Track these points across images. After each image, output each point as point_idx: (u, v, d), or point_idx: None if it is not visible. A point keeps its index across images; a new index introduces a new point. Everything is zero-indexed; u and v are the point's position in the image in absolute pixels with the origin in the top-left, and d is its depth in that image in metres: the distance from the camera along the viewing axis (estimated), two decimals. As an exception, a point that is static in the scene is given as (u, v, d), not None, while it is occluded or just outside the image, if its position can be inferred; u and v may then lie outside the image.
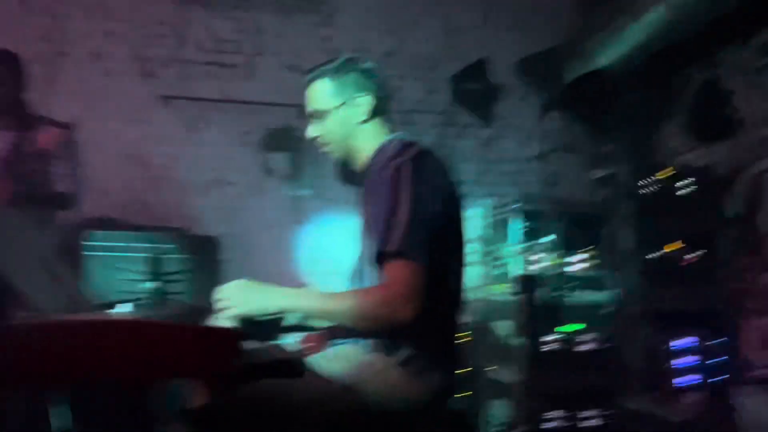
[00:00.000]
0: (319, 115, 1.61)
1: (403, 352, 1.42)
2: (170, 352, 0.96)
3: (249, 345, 1.43)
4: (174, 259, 2.83)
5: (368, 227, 1.47)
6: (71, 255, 3.04)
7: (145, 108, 4.15)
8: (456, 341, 1.56)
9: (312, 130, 1.65)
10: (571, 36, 3.60)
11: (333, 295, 1.48)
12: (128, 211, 4.02)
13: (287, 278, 4.11)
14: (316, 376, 1.38)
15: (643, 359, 3.14)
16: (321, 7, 4.43)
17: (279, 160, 4.18)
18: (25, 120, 2.82)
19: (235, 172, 4.24)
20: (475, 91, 3.07)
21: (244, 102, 4.25)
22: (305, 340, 1.76)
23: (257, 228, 4.22)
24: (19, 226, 1.62)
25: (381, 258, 1.38)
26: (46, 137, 2.53)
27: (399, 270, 1.36)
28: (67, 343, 0.94)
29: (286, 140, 4.20)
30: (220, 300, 1.43)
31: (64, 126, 2.61)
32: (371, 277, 1.48)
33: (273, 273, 4.18)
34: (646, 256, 3.23)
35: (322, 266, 4.28)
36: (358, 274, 1.57)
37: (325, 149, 1.65)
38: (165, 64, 4.22)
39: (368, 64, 1.65)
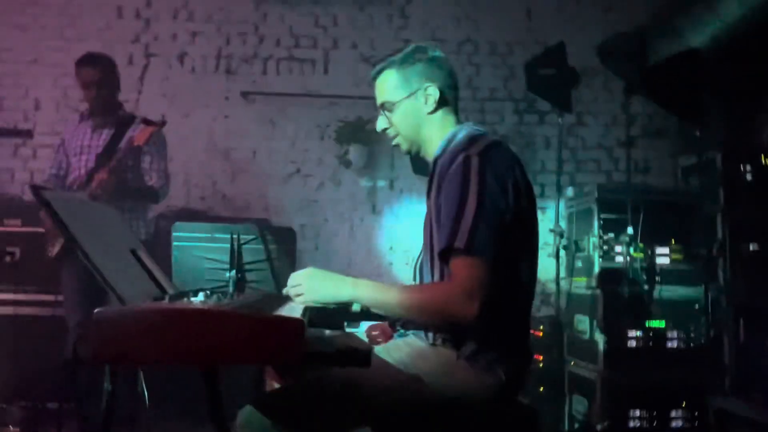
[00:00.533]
0: (388, 107, 1.59)
1: (470, 346, 1.40)
2: (241, 339, 0.99)
3: (318, 332, 1.47)
4: (254, 249, 2.92)
5: (435, 220, 1.45)
6: (160, 245, 3.23)
7: (227, 104, 4.32)
8: (526, 336, 1.52)
9: (381, 123, 1.63)
10: (658, 14, 3.39)
11: (399, 288, 1.48)
12: (211, 202, 4.22)
13: (361, 267, 4.20)
14: (385, 366, 1.39)
15: (736, 357, 2.94)
16: (394, -1, 4.43)
17: (355, 151, 4.22)
18: (120, 118, 3.00)
19: (312, 165, 4.33)
20: (552, 77, 2.95)
21: (321, 96, 4.33)
22: (371, 329, 1.77)
23: (333, 218, 4.30)
24: (113, 219, 1.72)
25: (447, 253, 1.37)
26: (139, 135, 2.69)
27: (464, 266, 1.34)
28: (151, 329, 0.99)
29: (362, 132, 4.24)
30: (292, 287, 1.47)
31: (157, 124, 2.75)
32: (436, 270, 1.47)
33: (348, 262, 4.30)
34: (741, 248, 3.00)
35: (395, 256, 4.31)
36: (421, 265, 1.56)
37: (395, 142, 1.64)
38: (246, 61, 4.37)
39: (435, 53, 1.60)
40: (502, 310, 1.37)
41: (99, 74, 2.92)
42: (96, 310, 1.00)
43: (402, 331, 1.57)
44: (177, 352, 1.01)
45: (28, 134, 3.70)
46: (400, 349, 1.46)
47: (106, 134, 2.96)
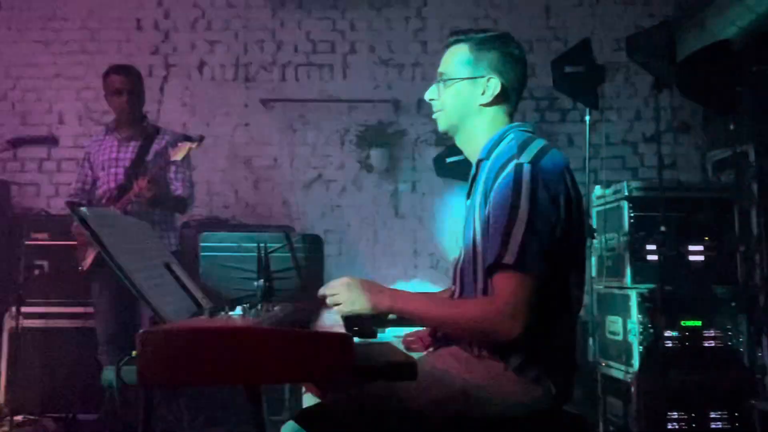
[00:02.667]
0: (444, 79, 1.53)
1: (517, 358, 1.36)
2: (289, 357, 0.97)
3: (360, 345, 1.44)
4: (281, 258, 2.91)
5: (482, 230, 1.40)
6: (185, 254, 3.23)
7: (247, 112, 4.32)
8: (573, 347, 1.47)
9: (431, 92, 1.56)
10: (684, 7, 3.32)
11: (439, 302, 1.44)
12: (234, 210, 4.22)
13: (386, 272, 4.17)
14: (430, 378, 1.35)
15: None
16: (411, 0, 4.40)
17: (376, 155, 4.20)
18: (146, 130, 3.01)
19: (334, 170, 4.32)
20: (578, 75, 2.90)
21: (340, 100, 4.31)
22: (408, 336, 1.74)
23: (356, 223, 4.28)
24: (145, 233, 1.71)
25: (495, 268, 1.32)
26: (176, 150, 2.69)
27: (512, 284, 1.29)
28: (198, 350, 0.98)
29: (383, 136, 4.22)
30: (331, 296, 1.45)
31: (196, 140, 2.76)
32: (479, 278, 1.43)
33: (372, 267, 4.27)
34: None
35: (420, 260, 4.28)
36: (462, 269, 1.51)
37: (435, 116, 1.57)
38: (264, 68, 4.37)
39: (516, 50, 1.53)
40: (550, 323, 1.33)
41: (129, 82, 2.94)
42: (141, 331, 0.98)
43: (442, 340, 1.53)
44: (225, 372, 0.98)
45: (54, 141, 3.73)
46: (445, 360, 1.42)
47: (133, 146, 2.97)
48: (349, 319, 1.47)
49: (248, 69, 4.36)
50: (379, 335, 1.79)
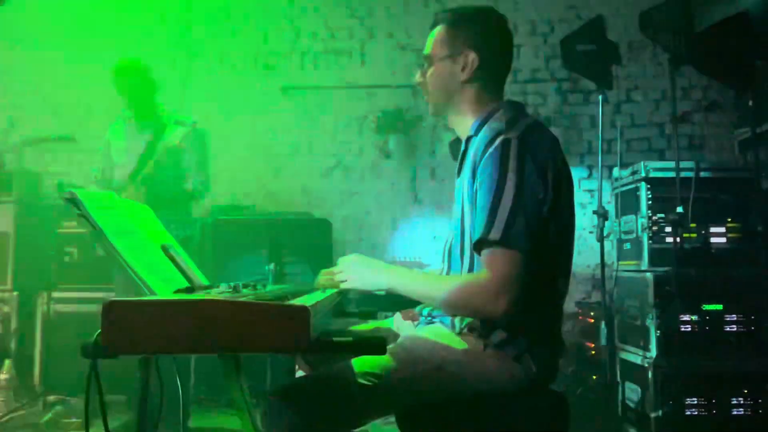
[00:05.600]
0: (428, 60, 1.53)
1: (498, 335, 1.36)
2: (248, 328, 1.00)
3: (339, 323, 1.46)
4: (292, 242, 2.96)
5: (470, 206, 1.40)
6: (207, 242, 3.31)
7: (267, 100, 4.37)
8: (558, 325, 1.46)
9: (418, 75, 1.56)
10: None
11: (430, 278, 1.45)
12: (255, 198, 4.29)
13: (405, 257, 4.17)
14: (407, 355, 1.36)
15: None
16: (430, -18, 4.36)
17: (394, 141, 4.20)
18: (160, 120, 3.08)
19: (353, 156, 4.34)
20: (590, 53, 2.83)
21: (359, 87, 4.32)
22: (403, 314, 1.75)
23: (376, 209, 4.30)
24: (144, 216, 1.76)
25: (481, 244, 1.32)
26: (173, 136, 2.75)
27: (498, 260, 1.29)
28: (161, 320, 1.01)
29: (401, 122, 4.21)
30: (338, 272, 1.49)
31: (187, 124, 2.81)
32: (466, 255, 1.43)
33: (392, 253, 4.28)
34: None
35: (439, 245, 4.27)
36: (450, 247, 1.52)
37: (426, 98, 1.58)
38: (283, 56, 4.41)
39: (495, 23, 1.52)
40: (535, 299, 1.32)
41: (131, 83, 2.98)
42: (106, 301, 1.02)
43: (424, 318, 1.54)
44: (187, 341, 1.02)
45: (72, 140, 3.85)
46: (426, 337, 1.43)
47: (147, 136, 3.04)
48: (356, 299, 1.50)
49: (268, 57, 4.41)
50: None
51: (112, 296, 3.20)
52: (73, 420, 3.11)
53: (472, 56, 1.48)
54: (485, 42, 1.49)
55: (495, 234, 1.29)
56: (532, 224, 1.30)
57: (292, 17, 4.42)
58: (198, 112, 4.13)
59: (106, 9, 4.46)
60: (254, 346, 1.00)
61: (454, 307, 1.38)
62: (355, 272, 1.47)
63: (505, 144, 1.34)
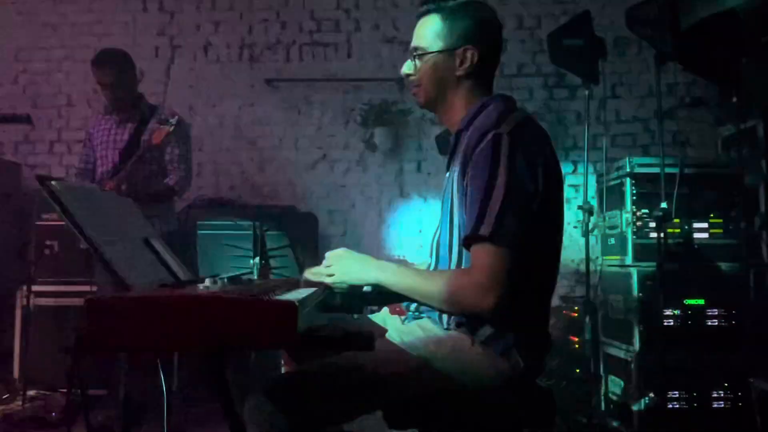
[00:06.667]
0: (419, 53, 1.47)
1: (486, 330, 1.35)
2: (233, 324, 0.98)
3: (327, 318, 1.44)
4: (277, 236, 2.93)
5: (459, 201, 1.39)
6: (190, 235, 3.26)
7: (252, 92, 4.33)
8: (545, 320, 1.46)
9: (407, 67, 1.51)
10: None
11: (419, 275, 1.43)
12: (240, 191, 4.25)
13: (391, 251, 4.17)
14: (395, 351, 1.35)
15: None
16: (417, -24, 4.33)
17: (380, 135, 4.18)
18: (142, 112, 3.03)
19: (338, 149, 4.31)
20: (577, 48, 2.83)
21: (345, 80, 4.29)
22: (391, 308, 1.74)
23: (361, 203, 4.28)
24: (125, 209, 1.73)
25: (471, 240, 1.31)
26: (156, 134, 2.72)
27: (487, 256, 1.28)
28: (143, 316, 0.99)
29: (387, 115, 4.19)
30: (326, 267, 1.47)
31: (170, 124, 2.77)
32: (454, 250, 1.42)
33: (377, 246, 4.27)
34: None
35: (425, 239, 4.26)
36: (438, 241, 1.51)
37: (413, 91, 1.53)
38: (269, 48, 4.36)
39: (491, 16, 1.48)
40: (523, 295, 1.31)
41: (112, 75, 2.91)
42: (87, 297, 1.00)
43: (412, 313, 1.53)
44: (172, 338, 1.00)
45: (28, 120, 3.72)
46: (413, 333, 1.42)
47: (129, 128, 2.99)
48: (344, 294, 1.52)
49: (253, 49, 4.36)
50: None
51: (95, 290, 3.20)
52: (54, 415, 3.06)
53: (471, 51, 1.45)
54: (484, 36, 1.47)
55: (485, 230, 1.28)
56: (522, 220, 1.29)
57: (278, 8, 4.37)
58: (181, 103, 4.10)
59: (88, -3, 4.37)
60: (241, 342, 0.99)
61: (442, 301, 1.36)
62: (343, 267, 1.45)
63: (496, 139, 1.32)
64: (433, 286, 1.35)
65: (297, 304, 0.98)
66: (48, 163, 4.35)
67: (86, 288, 3.48)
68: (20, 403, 3.28)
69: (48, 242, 3.65)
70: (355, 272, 1.44)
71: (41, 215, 3.63)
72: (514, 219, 1.28)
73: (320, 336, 1.09)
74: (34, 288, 3.51)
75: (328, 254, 1.50)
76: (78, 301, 3.53)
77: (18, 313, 3.58)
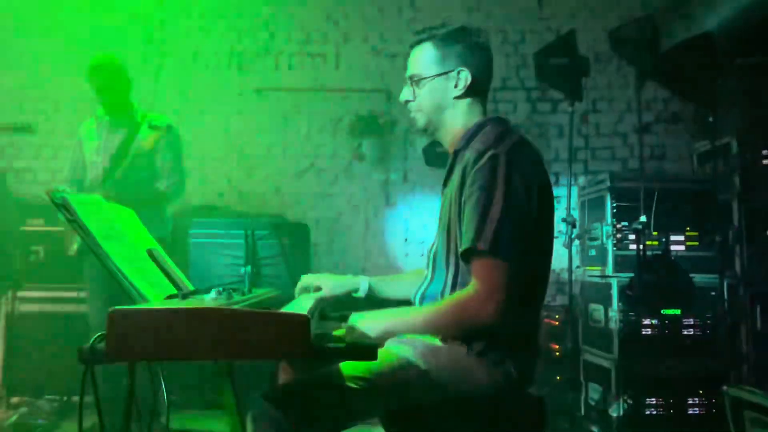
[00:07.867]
0: (416, 80, 1.58)
1: (480, 342, 1.43)
2: (249, 336, 1.03)
3: (327, 327, 1.50)
4: (269, 245, 2.98)
5: (457, 217, 1.46)
6: (178, 242, 3.28)
7: (241, 100, 4.36)
8: (535, 331, 1.54)
9: (405, 94, 1.62)
10: (671, -1, 3.35)
11: (417, 313, 1.48)
12: (228, 199, 4.27)
13: (376, 260, 4.23)
14: (395, 361, 1.41)
15: (754, 345, 2.92)
16: (404, -12, 4.43)
17: (368, 145, 4.25)
18: (133, 118, 3.05)
19: (326, 159, 4.37)
20: (562, 66, 2.94)
21: (333, 90, 4.35)
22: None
23: (348, 212, 4.34)
24: (128, 219, 1.77)
25: (469, 254, 1.39)
26: (150, 135, 2.75)
27: (486, 269, 1.36)
28: (163, 328, 1.04)
29: (375, 125, 4.26)
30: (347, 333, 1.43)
31: (161, 128, 2.80)
32: (451, 263, 1.49)
33: (363, 255, 4.33)
34: (757, 235, 2.97)
35: (410, 248, 4.34)
36: (435, 254, 1.58)
37: (413, 115, 1.63)
38: (258, 57, 4.40)
39: (479, 39, 1.59)
40: (517, 309, 1.38)
41: (107, 80, 2.93)
42: (111, 309, 1.04)
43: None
44: (188, 348, 1.05)
45: (30, 129, 3.73)
46: (411, 345, 1.48)
47: (120, 134, 3.01)
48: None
49: (242, 58, 4.40)
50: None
51: (83, 296, 3.20)
52: (40, 422, 3.06)
53: (465, 73, 1.55)
54: (476, 58, 1.57)
55: (484, 244, 1.36)
56: (519, 235, 1.37)
57: (267, 18, 4.42)
58: (170, 111, 4.11)
59: (78, 4, 4.36)
60: (257, 352, 1.04)
61: (449, 328, 1.42)
62: (361, 328, 1.40)
63: (494, 159, 1.41)
64: (441, 317, 1.41)
65: (309, 317, 1.04)
66: (33, 167, 4.33)
67: (72, 294, 3.48)
68: (4, 410, 3.27)
69: (34, 248, 3.64)
70: (371, 329, 1.40)
71: (26, 221, 3.62)
72: (511, 234, 1.36)
73: (329, 347, 1.15)
74: (20, 294, 3.50)
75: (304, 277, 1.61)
76: (63, 307, 3.53)
77: (2, 319, 3.56)
